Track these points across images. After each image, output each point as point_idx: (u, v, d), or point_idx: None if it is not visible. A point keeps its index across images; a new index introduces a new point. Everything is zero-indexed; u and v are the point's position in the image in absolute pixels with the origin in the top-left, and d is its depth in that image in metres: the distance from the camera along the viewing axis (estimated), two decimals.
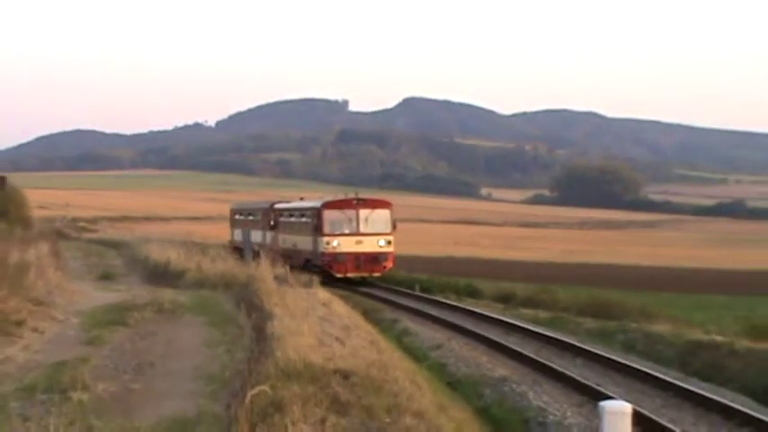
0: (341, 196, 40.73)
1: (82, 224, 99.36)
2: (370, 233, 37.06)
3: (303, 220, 41.27)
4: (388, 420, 9.24)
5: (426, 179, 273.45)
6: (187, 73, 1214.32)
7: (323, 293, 21.77)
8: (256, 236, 49.53)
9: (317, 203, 39.69)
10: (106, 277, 36.84)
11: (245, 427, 8.63)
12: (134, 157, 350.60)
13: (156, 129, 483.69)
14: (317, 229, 37.67)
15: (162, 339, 16.11)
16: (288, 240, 43.17)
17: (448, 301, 32.11)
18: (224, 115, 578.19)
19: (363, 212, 37.56)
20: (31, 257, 24.14)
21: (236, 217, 57.53)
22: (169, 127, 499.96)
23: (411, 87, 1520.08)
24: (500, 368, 18.15)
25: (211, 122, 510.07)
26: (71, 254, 48.28)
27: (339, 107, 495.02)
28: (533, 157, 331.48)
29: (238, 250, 51.14)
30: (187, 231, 68.79)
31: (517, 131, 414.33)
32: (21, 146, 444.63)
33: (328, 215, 37.69)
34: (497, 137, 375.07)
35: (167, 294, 22.74)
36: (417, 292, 34.44)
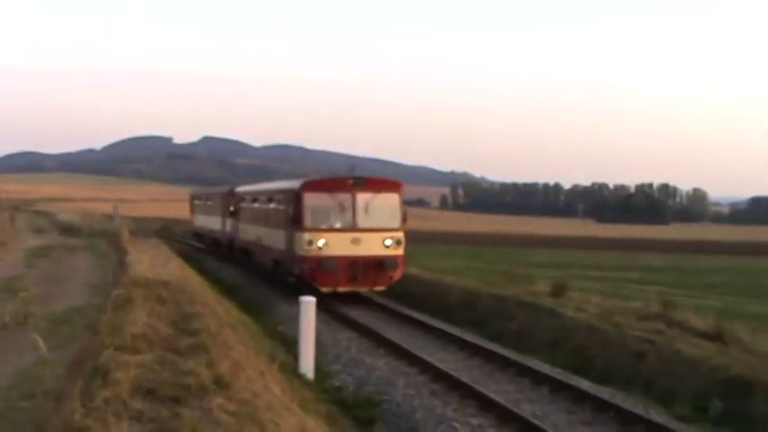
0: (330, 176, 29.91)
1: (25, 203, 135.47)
2: (372, 228, 25.53)
3: (273, 206, 29.60)
4: (188, 307, 18.02)
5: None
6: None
7: (155, 240, 37.64)
8: (214, 223, 43.58)
9: (294, 184, 27.35)
10: (39, 231, 56.00)
11: (111, 311, 17.48)
12: (57, 166, 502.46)
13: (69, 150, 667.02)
14: (295, 221, 25.64)
15: (68, 265, 26.92)
16: (250, 232, 33.59)
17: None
18: (106, 143, 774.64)
19: (363, 197, 25.62)
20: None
21: (196, 203, 53.38)
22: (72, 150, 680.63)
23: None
24: (249, 280, 31.37)
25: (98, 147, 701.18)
26: (18, 219, 69.67)
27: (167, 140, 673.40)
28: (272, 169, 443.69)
29: (199, 237, 51.24)
30: (84, 207, 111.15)
31: (265, 157, 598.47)
32: None
33: (311, 200, 25.64)
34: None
35: (71, 241, 43.16)
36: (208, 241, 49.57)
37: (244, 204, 35.12)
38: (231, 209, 37.06)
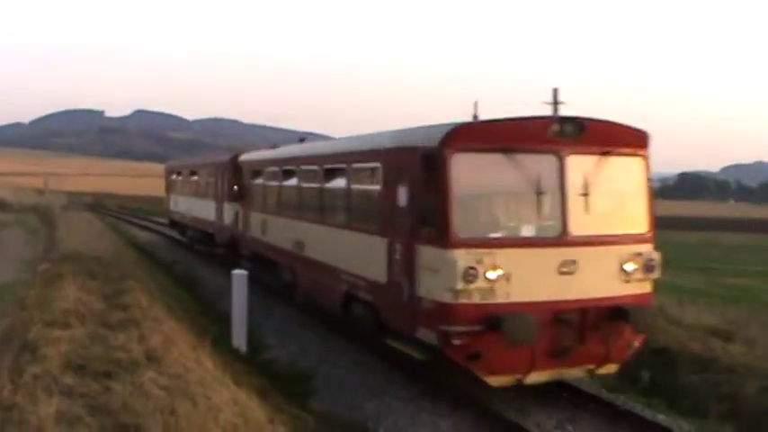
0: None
1: None
2: (600, 238, 11.52)
3: (343, 186, 15.27)
4: (119, 282, 17.48)
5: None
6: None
7: (87, 214, 35.55)
8: (202, 210, 30.54)
9: (418, 137, 12.08)
10: None
11: (41, 286, 17.32)
12: None
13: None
14: (426, 223, 11.38)
15: None
16: (279, 232, 19.85)
17: (157, 219, 47.85)
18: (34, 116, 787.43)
19: (580, 164, 11.50)
20: None
21: (173, 178, 38.66)
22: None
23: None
24: (184, 255, 31.43)
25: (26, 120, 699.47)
26: None
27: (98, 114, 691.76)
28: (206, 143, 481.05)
29: (179, 227, 37.33)
30: (13, 182, 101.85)
31: (200, 131, 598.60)
32: None
33: (465, 172, 11.05)
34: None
35: (0, 216, 40.99)
36: (141, 215, 51.25)
37: (260, 182, 21.83)
38: (234, 188, 24.93)
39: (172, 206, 38.03)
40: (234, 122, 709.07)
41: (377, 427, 11.00)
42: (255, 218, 22.07)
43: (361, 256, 13.72)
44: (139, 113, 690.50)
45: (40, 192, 71.92)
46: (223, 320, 16.40)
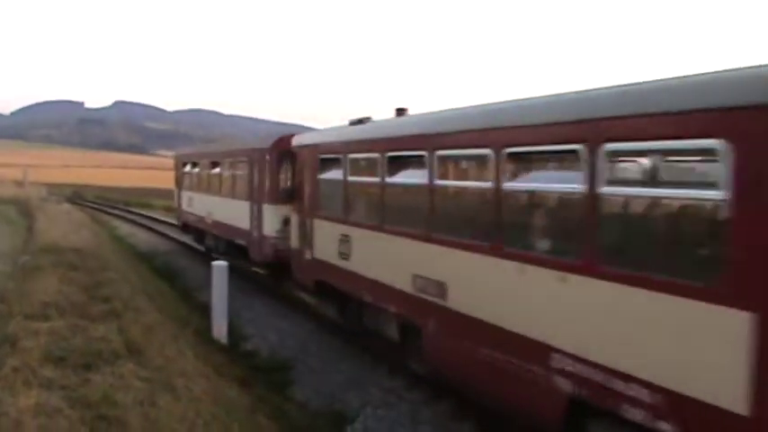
0: None
1: None
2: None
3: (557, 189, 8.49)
4: (100, 274, 17.51)
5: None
6: None
7: (67, 206, 34.83)
8: (228, 213, 23.61)
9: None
10: None
11: (21, 278, 17.19)
12: None
13: None
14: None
15: None
16: (390, 256, 12.33)
17: (137, 211, 50.13)
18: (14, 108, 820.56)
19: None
20: None
21: (186, 170, 30.43)
22: None
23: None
24: (164, 246, 30.60)
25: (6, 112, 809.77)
26: None
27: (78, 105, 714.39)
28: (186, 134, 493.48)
29: (194, 233, 29.35)
30: None
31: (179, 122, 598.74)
32: None
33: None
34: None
35: None
36: (121, 206, 51.45)
37: (335, 176, 14.85)
38: (283, 184, 19.53)
39: (185, 206, 30.09)
40: (214, 114, 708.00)
41: (357, 415, 11.04)
42: (325, 230, 15.33)
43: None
44: (119, 104, 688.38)
45: (19, 184, 71.38)
46: (204, 312, 16.37)
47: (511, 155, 8.97)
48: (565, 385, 7.93)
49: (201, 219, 26.80)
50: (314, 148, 16.19)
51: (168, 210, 53.86)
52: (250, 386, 11.40)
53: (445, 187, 10.87)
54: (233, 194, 22.82)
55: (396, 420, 10.93)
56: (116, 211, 50.08)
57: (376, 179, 12.57)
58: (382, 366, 13.41)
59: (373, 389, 12.20)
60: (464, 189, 10.77)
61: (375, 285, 12.76)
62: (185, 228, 30.28)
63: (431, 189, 10.75)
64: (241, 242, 21.77)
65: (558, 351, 8.03)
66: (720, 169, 6.21)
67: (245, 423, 8.43)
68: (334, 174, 14.72)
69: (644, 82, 7.37)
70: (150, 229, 37.92)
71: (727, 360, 6.11)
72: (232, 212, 22.69)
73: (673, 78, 7.06)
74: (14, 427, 6.68)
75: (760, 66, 6.14)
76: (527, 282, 8.57)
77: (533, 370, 8.43)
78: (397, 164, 11.99)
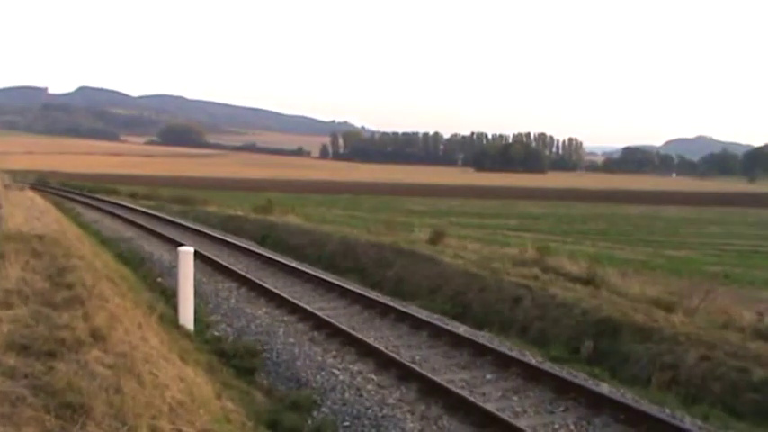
0: None
1: None
2: None
3: None
4: (63, 261, 18.03)
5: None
6: None
7: (31, 193, 35.34)
8: None
9: None
10: None
11: None
12: None
13: None
14: None
15: None
16: None
17: (102, 197, 51.23)
18: None
19: None
20: None
21: None
22: None
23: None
24: (129, 232, 30.24)
25: None
26: None
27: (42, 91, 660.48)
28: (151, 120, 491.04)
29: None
30: None
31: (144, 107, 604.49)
32: None
33: None
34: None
35: None
36: (86, 193, 52.16)
37: None
38: None
39: None
40: (178, 99, 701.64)
41: (324, 399, 11.05)
42: None
43: None
44: (83, 90, 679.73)
45: None
46: (169, 297, 16.30)
47: None
48: None
49: None
50: None
51: (133, 196, 53.61)
52: (216, 372, 11.38)
53: None
54: None
55: None
56: (81, 198, 49.68)
57: None
58: (352, 352, 13.48)
59: (342, 373, 12.21)
60: None
61: None
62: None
63: None
64: None
65: None
66: None
67: (211, 408, 8.41)
68: None
69: None
70: (115, 215, 37.74)
71: None
72: None
73: None
74: None
75: None
76: None
77: None
78: None
